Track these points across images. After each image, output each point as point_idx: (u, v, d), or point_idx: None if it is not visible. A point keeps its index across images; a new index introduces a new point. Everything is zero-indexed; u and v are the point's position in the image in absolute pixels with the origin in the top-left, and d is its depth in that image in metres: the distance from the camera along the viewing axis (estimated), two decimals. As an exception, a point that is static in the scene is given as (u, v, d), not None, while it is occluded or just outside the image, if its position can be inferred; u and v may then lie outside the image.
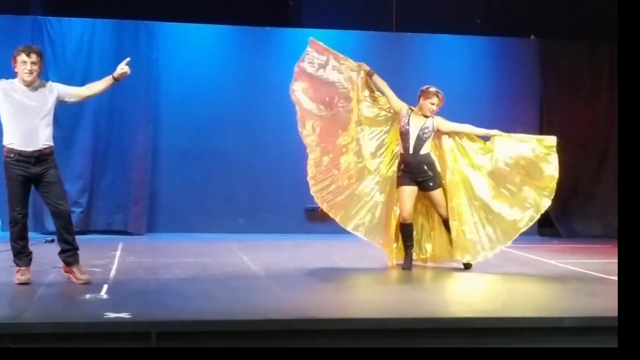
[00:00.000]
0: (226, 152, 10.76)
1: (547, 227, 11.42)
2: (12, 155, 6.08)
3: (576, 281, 7.15)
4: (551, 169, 7.63)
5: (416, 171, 7.51)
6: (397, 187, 7.60)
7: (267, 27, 11.01)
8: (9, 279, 6.59)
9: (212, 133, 10.71)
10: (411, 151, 7.52)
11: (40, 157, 6.08)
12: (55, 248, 8.54)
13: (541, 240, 10.98)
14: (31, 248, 8.45)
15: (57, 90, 6.28)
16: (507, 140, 7.62)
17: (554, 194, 7.68)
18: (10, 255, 7.90)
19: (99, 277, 6.46)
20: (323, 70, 7.73)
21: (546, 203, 7.63)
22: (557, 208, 11.47)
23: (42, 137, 6.10)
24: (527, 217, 7.54)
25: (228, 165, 10.78)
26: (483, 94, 11.34)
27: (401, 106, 7.65)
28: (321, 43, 7.79)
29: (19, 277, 6.18)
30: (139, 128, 10.41)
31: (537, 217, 7.63)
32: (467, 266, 7.58)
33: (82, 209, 9.96)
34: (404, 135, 7.55)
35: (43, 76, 9.99)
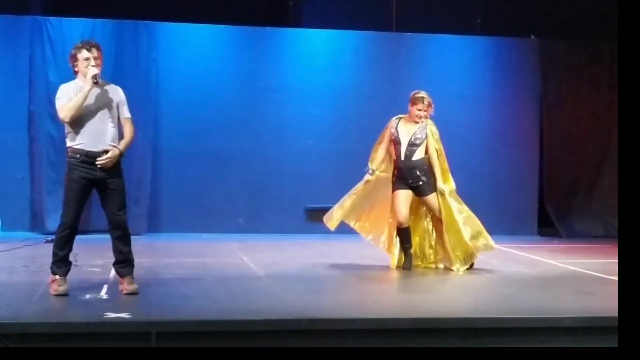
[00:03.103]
0: (226, 152, 10.76)
1: (547, 227, 11.45)
2: (78, 156, 5.81)
3: (576, 281, 7.15)
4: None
5: (409, 177, 7.52)
6: (392, 192, 7.61)
7: (267, 27, 11.01)
8: (9, 279, 6.60)
9: (212, 133, 10.71)
10: (403, 158, 7.53)
11: None
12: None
13: (541, 240, 10.99)
14: (31, 248, 8.52)
15: (121, 96, 6.03)
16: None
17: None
18: (10, 255, 7.96)
19: (99, 277, 6.46)
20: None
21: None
22: (557, 208, 11.51)
23: (109, 137, 5.86)
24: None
25: (228, 165, 10.78)
26: (483, 94, 11.35)
27: (389, 126, 7.64)
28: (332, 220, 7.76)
29: (57, 288, 5.76)
30: (139, 128, 10.26)
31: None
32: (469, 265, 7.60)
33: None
34: (396, 144, 7.57)
35: (43, 76, 10.19)
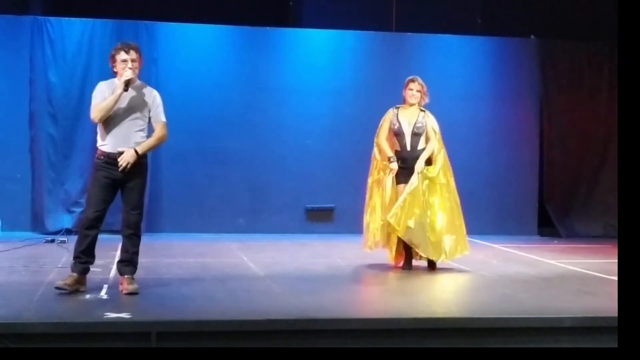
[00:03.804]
0: (226, 152, 10.77)
1: (547, 227, 11.45)
2: (102, 157, 5.88)
3: (576, 281, 7.15)
4: None
5: (412, 166, 7.46)
6: (397, 184, 7.51)
7: (267, 27, 11.01)
8: (9, 279, 6.60)
9: (212, 133, 10.71)
10: (409, 148, 7.49)
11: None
12: (55, 248, 8.60)
13: (541, 240, 10.99)
14: (31, 248, 8.51)
15: (155, 100, 6.04)
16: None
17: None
18: (10, 255, 7.96)
19: (99, 277, 6.45)
20: None
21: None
22: (557, 208, 11.51)
23: (132, 140, 5.88)
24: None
25: (228, 165, 10.78)
26: (483, 94, 11.35)
27: (387, 120, 7.61)
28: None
29: (60, 281, 5.80)
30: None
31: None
32: (432, 266, 7.57)
33: (82, 209, 9.92)
34: (399, 134, 7.52)
35: (43, 76, 10.18)
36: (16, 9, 10.48)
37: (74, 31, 10.31)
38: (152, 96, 6.06)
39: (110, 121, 5.89)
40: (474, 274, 7.47)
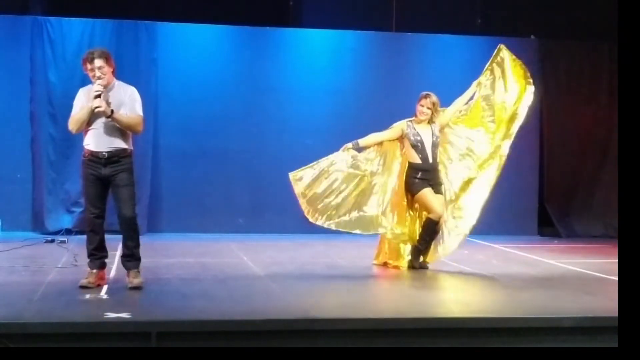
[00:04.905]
0: (226, 152, 10.77)
1: (547, 227, 11.46)
2: (87, 155, 6.07)
3: (576, 281, 7.15)
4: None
5: (434, 178, 7.51)
6: (417, 192, 7.48)
7: (267, 27, 11.02)
8: (9, 279, 6.60)
9: (212, 133, 10.72)
10: (431, 160, 7.49)
11: (111, 159, 5.99)
12: (55, 248, 8.61)
13: (541, 240, 10.99)
14: (31, 248, 8.52)
15: (131, 96, 6.12)
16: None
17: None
18: (10, 255, 7.97)
19: (99, 277, 6.44)
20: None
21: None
22: (557, 208, 11.51)
23: (112, 139, 6.00)
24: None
25: (228, 165, 10.78)
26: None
27: (398, 128, 7.61)
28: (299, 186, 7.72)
29: (82, 280, 6.05)
30: (139, 128, 10.39)
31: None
32: (423, 266, 7.59)
33: (82, 209, 9.93)
34: (419, 147, 7.49)
35: (43, 76, 10.18)
36: (16, 9, 10.49)
37: (74, 31, 10.32)
38: (129, 93, 6.14)
39: (92, 122, 6.01)
40: (474, 274, 7.47)
